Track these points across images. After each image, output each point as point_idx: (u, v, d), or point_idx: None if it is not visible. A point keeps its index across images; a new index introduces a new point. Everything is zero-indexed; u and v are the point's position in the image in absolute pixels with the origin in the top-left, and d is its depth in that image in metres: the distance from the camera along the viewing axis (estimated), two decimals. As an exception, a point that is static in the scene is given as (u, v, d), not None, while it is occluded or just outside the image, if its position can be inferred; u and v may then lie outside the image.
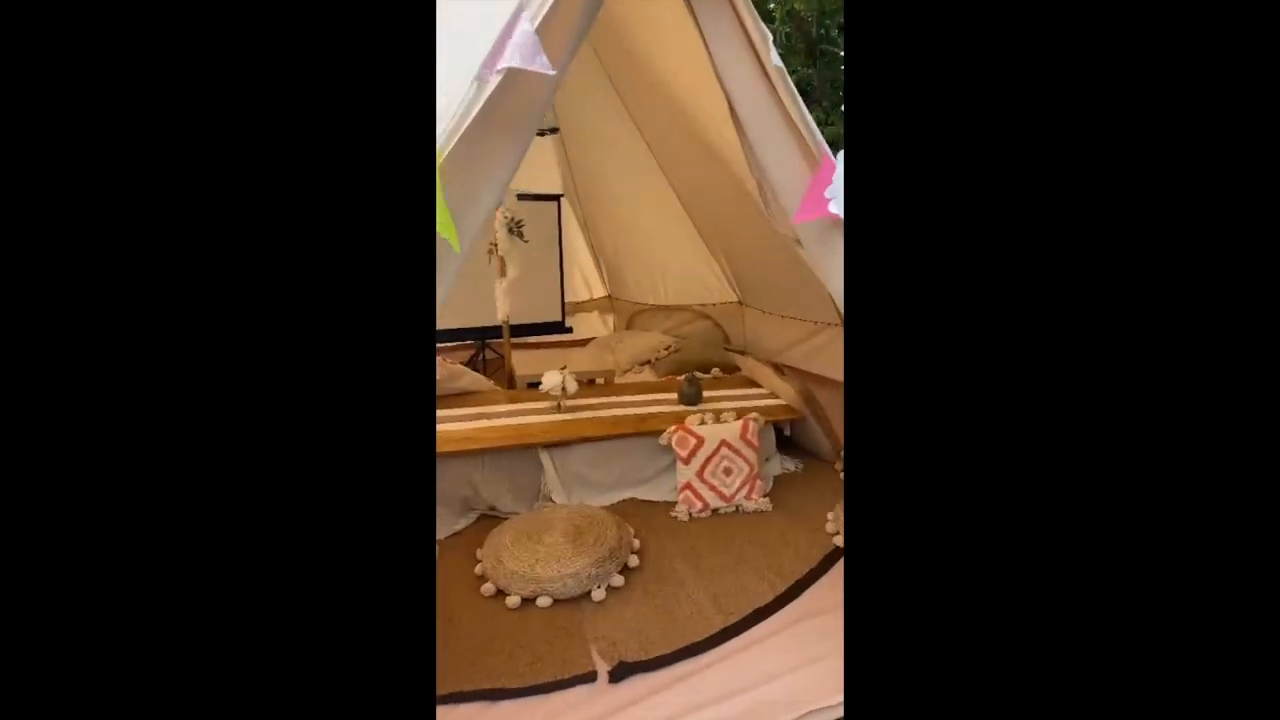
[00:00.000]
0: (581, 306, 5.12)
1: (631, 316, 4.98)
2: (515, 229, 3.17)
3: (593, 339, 4.84)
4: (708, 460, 2.66)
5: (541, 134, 3.24)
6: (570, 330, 4.76)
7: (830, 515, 2.58)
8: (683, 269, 4.54)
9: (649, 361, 4.35)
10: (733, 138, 2.04)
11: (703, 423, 2.75)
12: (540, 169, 4.43)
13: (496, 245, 3.20)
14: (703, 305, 4.61)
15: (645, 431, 2.73)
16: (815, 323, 3.93)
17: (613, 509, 2.65)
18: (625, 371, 4.35)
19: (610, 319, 5.20)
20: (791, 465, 3.08)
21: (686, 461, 2.66)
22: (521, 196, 3.57)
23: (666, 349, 4.35)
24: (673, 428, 2.69)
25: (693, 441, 2.66)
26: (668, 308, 4.75)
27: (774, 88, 1.33)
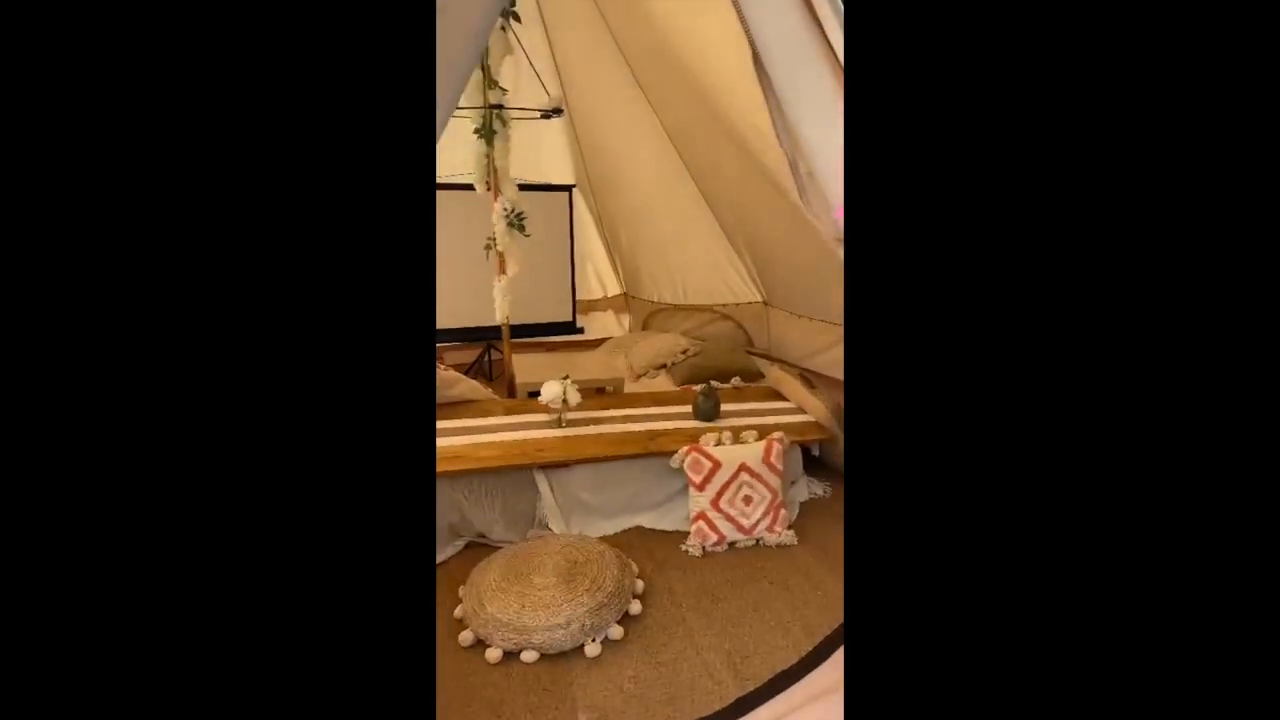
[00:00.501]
0: (595, 305, 4.82)
1: (648, 316, 4.68)
2: (515, 222, 2.87)
3: (606, 340, 4.56)
4: (725, 486, 2.34)
5: (545, 116, 2.93)
6: (581, 331, 4.47)
7: (865, 552, 2.25)
8: (703, 266, 4.24)
9: (665, 365, 4.05)
10: (760, 120, 1.69)
11: (720, 443, 2.43)
12: (549, 157, 4.13)
13: (495, 240, 2.91)
14: (724, 305, 4.30)
15: (654, 452, 2.42)
16: (847, 326, 3.61)
17: (616, 539, 2.35)
18: (640, 376, 4.06)
19: (626, 319, 4.90)
20: (820, 489, 2.75)
21: (700, 488, 2.34)
22: (524, 187, 3.28)
23: (684, 352, 4.04)
24: (685, 448, 2.37)
25: (708, 465, 2.35)
26: (687, 307, 4.45)
27: (815, 17, 0.91)
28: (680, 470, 2.39)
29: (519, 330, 4.10)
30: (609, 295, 4.81)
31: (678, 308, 4.49)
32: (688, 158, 3.66)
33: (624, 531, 2.42)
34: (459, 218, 3.37)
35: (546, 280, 4.18)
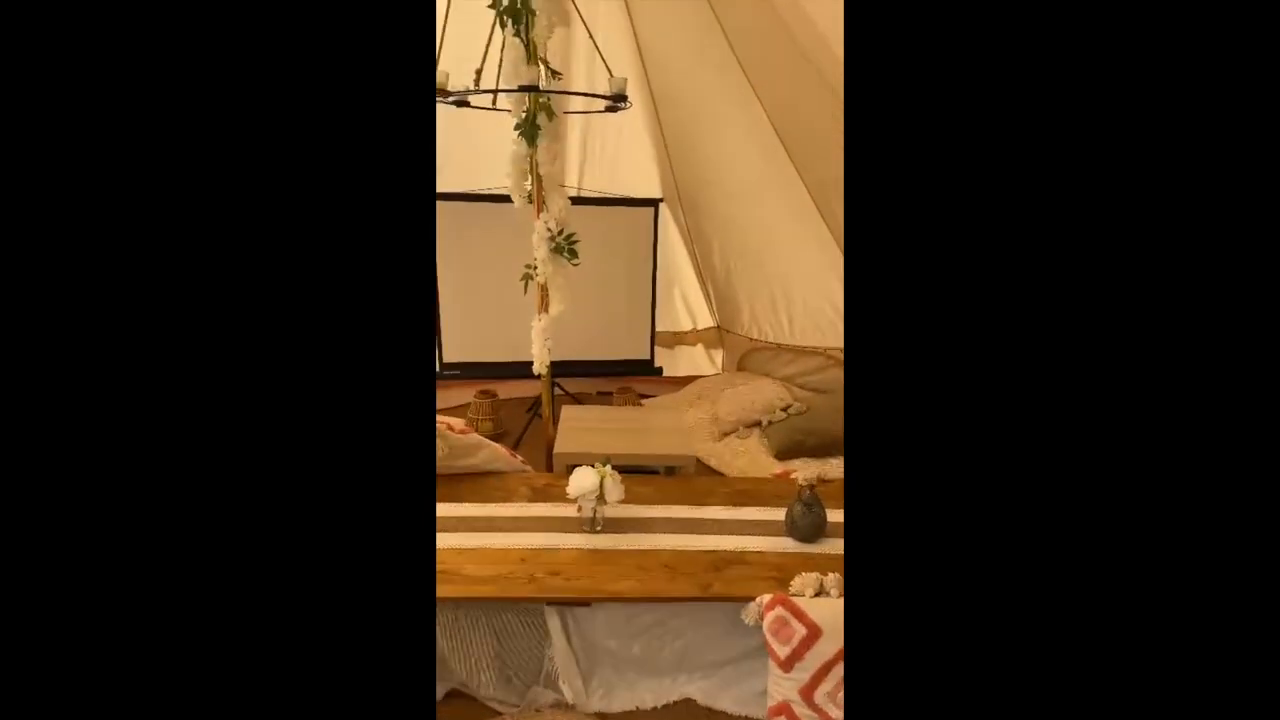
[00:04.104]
0: (683, 338, 4.07)
1: (744, 355, 3.87)
2: (563, 245, 2.18)
3: (693, 381, 3.79)
4: (826, 668, 1.50)
5: (610, 107, 2.20)
6: (660, 371, 3.72)
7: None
8: (814, 296, 3.38)
9: (759, 423, 3.22)
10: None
11: (822, 591, 1.58)
12: (630, 162, 3.43)
13: (535, 269, 2.24)
14: (840, 350, 3.39)
15: (714, 598, 1.62)
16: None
17: (654, 719, 1.58)
18: (726, 434, 3.25)
19: (719, 356, 4.11)
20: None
21: (786, 666, 1.51)
22: (596, 201, 2.59)
23: (786, 409, 3.19)
24: (767, 599, 1.55)
25: (800, 631, 1.51)
26: (793, 349, 3.59)
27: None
28: (756, 627, 1.57)
29: (583, 367, 3.44)
30: (699, 328, 4.04)
31: (782, 347, 3.64)
32: (799, 156, 2.82)
33: (666, 708, 1.64)
34: (505, 235, 2.77)
35: (620, 311, 3.49)
